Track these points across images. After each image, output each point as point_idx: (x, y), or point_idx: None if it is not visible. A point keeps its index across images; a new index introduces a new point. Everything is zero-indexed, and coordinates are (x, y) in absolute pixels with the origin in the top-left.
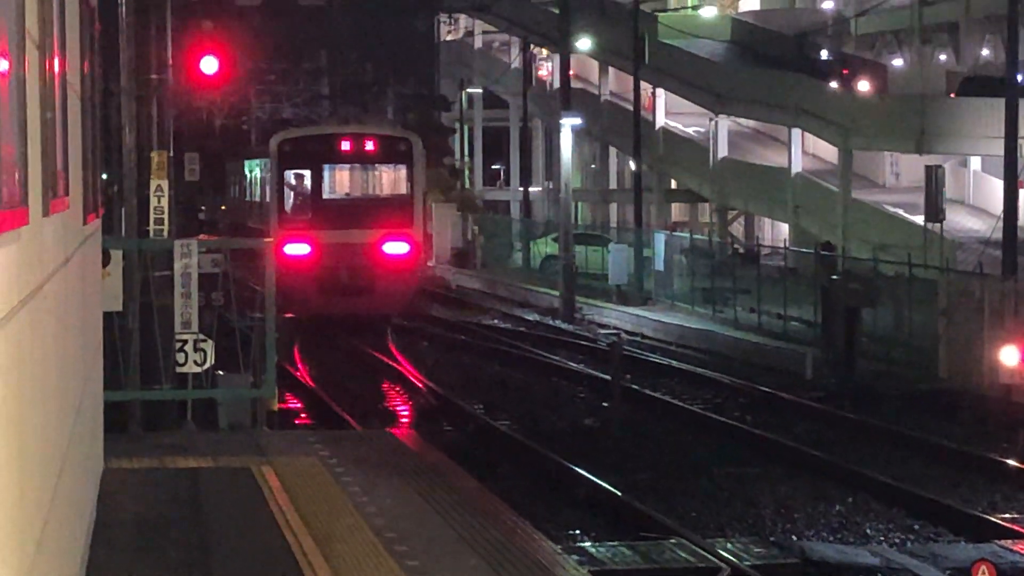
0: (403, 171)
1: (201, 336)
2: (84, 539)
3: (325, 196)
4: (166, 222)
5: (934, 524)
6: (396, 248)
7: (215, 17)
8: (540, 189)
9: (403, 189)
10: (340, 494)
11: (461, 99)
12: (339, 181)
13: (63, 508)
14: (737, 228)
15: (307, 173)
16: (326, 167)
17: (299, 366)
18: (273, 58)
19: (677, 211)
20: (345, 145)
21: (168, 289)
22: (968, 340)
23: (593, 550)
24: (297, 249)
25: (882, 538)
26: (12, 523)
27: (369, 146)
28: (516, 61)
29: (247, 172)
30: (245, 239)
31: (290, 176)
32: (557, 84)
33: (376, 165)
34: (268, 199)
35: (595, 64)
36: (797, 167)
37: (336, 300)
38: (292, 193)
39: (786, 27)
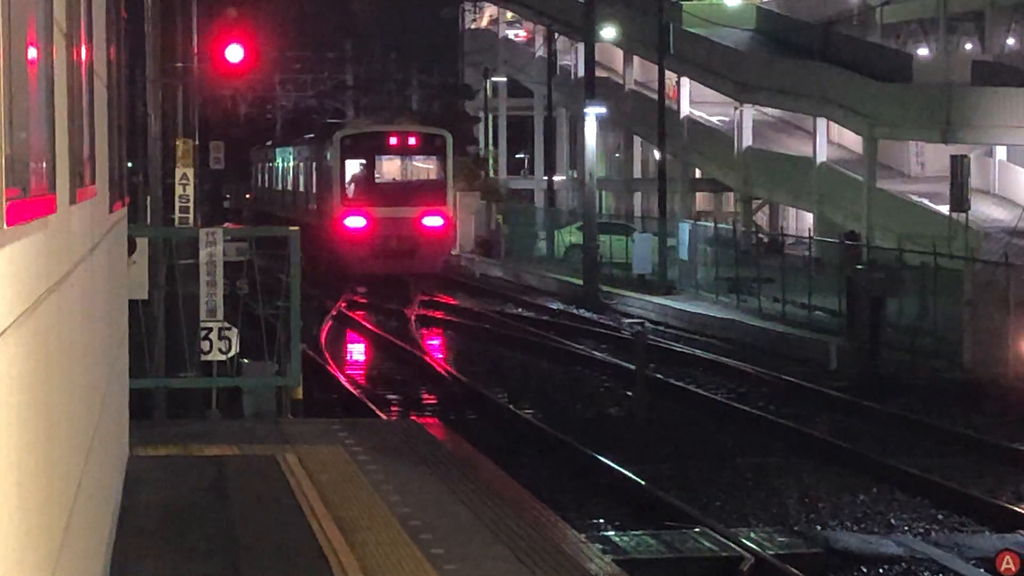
0: (438, 161)
1: (226, 324)
2: (110, 526)
3: (377, 180)
4: (191, 210)
5: (958, 514)
6: (433, 221)
7: (240, 5)
8: (564, 178)
9: (438, 175)
10: (365, 482)
11: (485, 88)
12: (388, 168)
13: (89, 495)
14: (761, 217)
15: (364, 162)
16: (377, 157)
17: (325, 355)
18: (298, 47)
19: (701, 200)
20: (393, 140)
21: (193, 277)
22: (993, 330)
23: (617, 539)
24: (355, 222)
25: (906, 528)
26: (40, 509)
27: (412, 141)
28: (540, 50)
29: (279, 161)
30: (271, 227)
31: (350, 164)
32: (582, 73)
33: (417, 156)
34: (331, 184)
35: (619, 53)
36: (822, 156)
37: (386, 262)
38: (351, 178)
39: (812, 15)
